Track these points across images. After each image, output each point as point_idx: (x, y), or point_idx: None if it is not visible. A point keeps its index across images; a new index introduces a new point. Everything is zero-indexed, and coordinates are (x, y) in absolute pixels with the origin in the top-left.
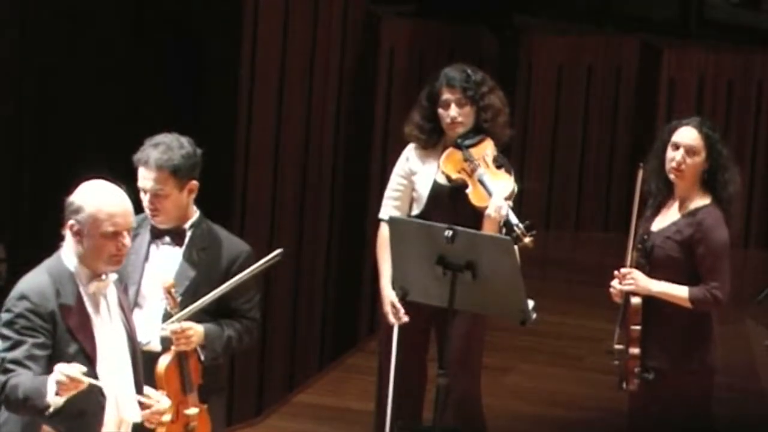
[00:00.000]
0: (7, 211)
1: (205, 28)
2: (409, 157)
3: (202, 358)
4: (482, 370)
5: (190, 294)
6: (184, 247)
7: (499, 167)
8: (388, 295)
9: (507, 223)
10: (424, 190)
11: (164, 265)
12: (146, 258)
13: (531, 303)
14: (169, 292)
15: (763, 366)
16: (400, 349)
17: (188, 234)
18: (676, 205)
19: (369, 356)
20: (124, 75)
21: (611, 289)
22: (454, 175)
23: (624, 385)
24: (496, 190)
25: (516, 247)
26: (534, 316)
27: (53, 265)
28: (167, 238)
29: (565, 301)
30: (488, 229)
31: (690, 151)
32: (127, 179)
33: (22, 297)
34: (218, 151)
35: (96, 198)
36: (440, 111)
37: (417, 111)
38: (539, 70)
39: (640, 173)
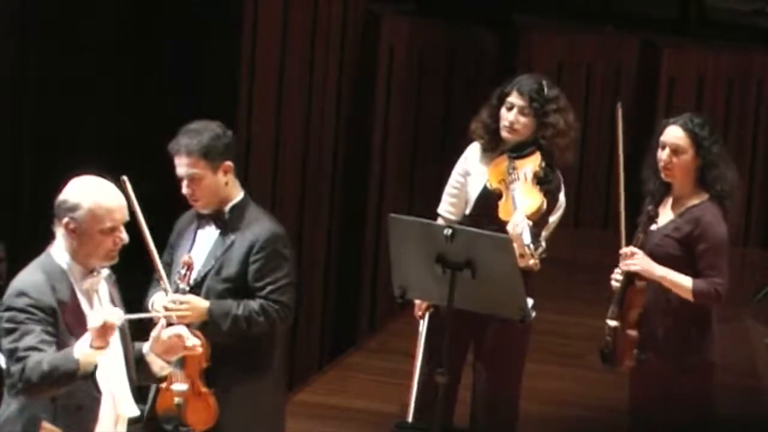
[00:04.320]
0: (7, 211)
1: (205, 28)
2: (468, 156)
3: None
4: None
5: (215, 273)
6: (220, 228)
7: (538, 183)
8: None
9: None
10: (473, 193)
11: (205, 247)
12: (193, 242)
13: (530, 301)
14: (188, 267)
15: (762, 364)
16: (435, 353)
17: (226, 216)
18: (673, 202)
19: (369, 355)
20: (124, 74)
21: (612, 282)
22: (494, 185)
23: (611, 365)
24: (520, 207)
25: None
26: (533, 314)
27: (45, 262)
28: (210, 221)
29: (565, 299)
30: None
31: (675, 151)
32: (126, 176)
33: (21, 293)
34: None
35: (92, 194)
36: (502, 111)
37: (486, 109)
38: (538, 68)
39: (619, 112)
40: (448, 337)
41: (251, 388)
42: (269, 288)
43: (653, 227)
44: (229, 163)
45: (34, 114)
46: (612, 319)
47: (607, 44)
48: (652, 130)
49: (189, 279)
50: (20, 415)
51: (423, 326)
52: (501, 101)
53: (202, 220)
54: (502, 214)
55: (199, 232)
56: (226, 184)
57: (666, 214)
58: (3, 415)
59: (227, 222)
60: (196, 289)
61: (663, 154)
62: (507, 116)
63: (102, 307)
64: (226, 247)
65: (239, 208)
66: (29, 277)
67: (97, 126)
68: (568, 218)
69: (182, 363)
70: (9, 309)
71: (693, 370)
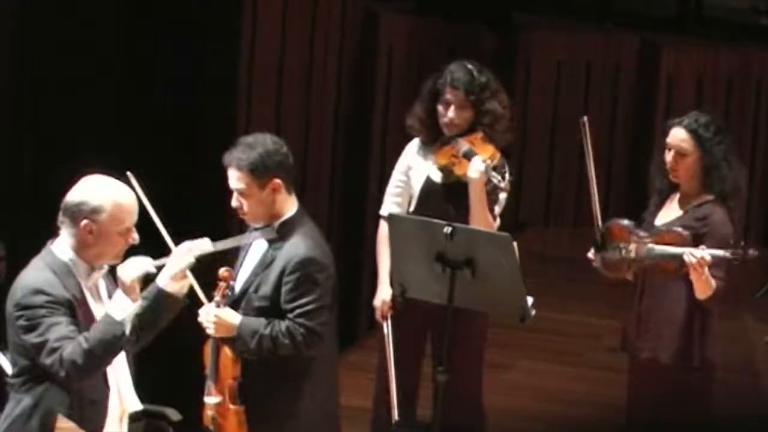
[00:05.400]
0: (7, 210)
1: (205, 27)
2: (409, 153)
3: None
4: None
5: (253, 290)
6: (268, 244)
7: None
8: (383, 290)
9: (488, 181)
10: (417, 187)
11: (252, 261)
12: (246, 254)
13: (530, 300)
14: (225, 281)
15: (762, 363)
16: (397, 347)
17: (275, 232)
18: (680, 199)
19: (369, 353)
20: (123, 75)
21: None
22: (443, 162)
23: (601, 251)
24: (476, 155)
25: (502, 197)
26: (533, 312)
27: (50, 260)
28: (260, 236)
29: (565, 297)
30: (473, 193)
31: (679, 153)
32: (125, 178)
33: (38, 291)
34: (217, 151)
35: (113, 197)
36: (440, 108)
37: (419, 104)
38: (538, 67)
39: (586, 126)
40: (448, 336)
41: (282, 410)
42: (297, 312)
43: (658, 222)
44: (277, 181)
45: (34, 114)
46: (649, 241)
47: (606, 43)
48: (651, 129)
49: (224, 292)
50: (35, 411)
51: (387, 327)
52: (434, 97)
53: (255, 233)
54: (459, 171)
55: (254, 244)
56: (274, 201)
57: (673, 210)
58: (14, 413)
59: (273, 238)
60: (236, 302)
61: (668, 156)
62: (446, 114)
63: (103, 304)
64: (267, 265)
65: (287, 225)
66: (39, 275)
67: (97, 126)
68: (568, 217)
69: (216, 376)
70: (27, 308)
71: (694, 369)
